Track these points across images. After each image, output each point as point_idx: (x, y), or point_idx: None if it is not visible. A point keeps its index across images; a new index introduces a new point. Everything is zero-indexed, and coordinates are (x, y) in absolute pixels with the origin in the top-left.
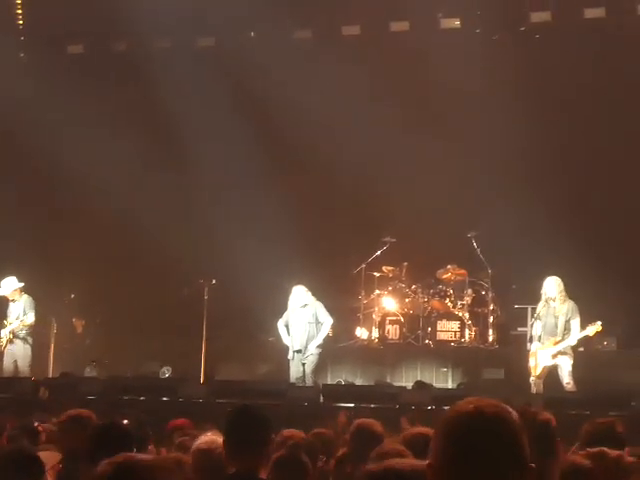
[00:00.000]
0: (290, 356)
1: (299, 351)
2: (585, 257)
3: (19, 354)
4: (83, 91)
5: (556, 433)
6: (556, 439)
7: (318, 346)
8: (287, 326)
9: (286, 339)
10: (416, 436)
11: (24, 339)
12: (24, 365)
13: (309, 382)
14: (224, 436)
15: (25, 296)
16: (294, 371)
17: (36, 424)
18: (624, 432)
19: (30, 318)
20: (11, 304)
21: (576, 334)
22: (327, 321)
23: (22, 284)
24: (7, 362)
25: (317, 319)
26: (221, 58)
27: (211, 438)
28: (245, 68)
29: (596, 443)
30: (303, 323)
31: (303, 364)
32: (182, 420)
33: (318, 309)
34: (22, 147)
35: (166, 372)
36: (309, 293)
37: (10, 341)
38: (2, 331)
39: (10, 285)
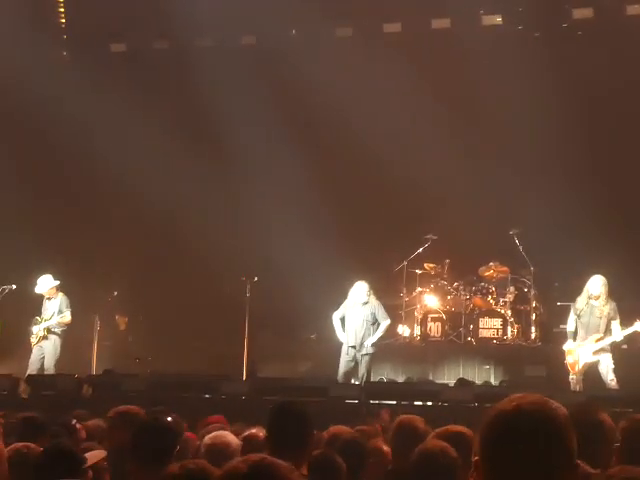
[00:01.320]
0: (345, 351)
1: (354, 347)
2: (628, 255)
3: (48, 350)
4: (125, 90)
5: (610, 433)
6: (610, 438)
7: (373, 344)
8: (342, 320)
9: (340, 334)
10: (454, 434)
11: (58, 336)
12: (50, 362)
13: (364, 380)
14: (266, 432)
15: (61, 294)
16: (344, 366)
17: (74, 421)
18: None
19: (68, 316)
20: (46, 302)
21: (619, 332)
22: (385, 321)
23: (58, 282)
24: (35, 357)
25: (375, 318)
26: (262, 56)
27: (217, 433)
28: (286, 66)
29: (634, 440)
30: (362, 320)
31: (359, 361)
32: (217, 417)
33: (377, 309)
34: (64, 146)
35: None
36: (371, 291)
37: (44, 337)
38: (35, 327)
39: (47, 283)
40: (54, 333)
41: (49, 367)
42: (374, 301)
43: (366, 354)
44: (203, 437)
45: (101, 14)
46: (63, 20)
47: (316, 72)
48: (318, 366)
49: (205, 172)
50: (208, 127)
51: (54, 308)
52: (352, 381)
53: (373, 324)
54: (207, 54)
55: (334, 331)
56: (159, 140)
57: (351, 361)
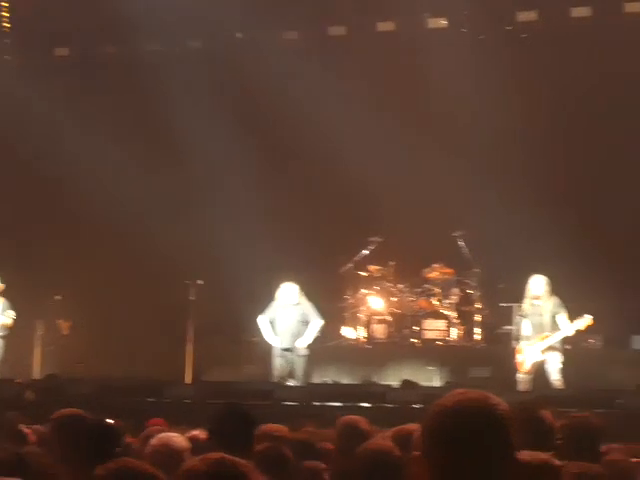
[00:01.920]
0: (276, 353)
1: (287, 349)
2: (571, 256)
3: None
4: (71, 93)
5: (552, 430)
6: (553, 435)
7: (307, 346)
8: (271, 323)
9: (270, 336)
10: (403, 432)
11: (1, 339)
12: None
13: (300, 382)
14: (210, 434)
15: (1, 297)
16: (278, 369)
17: (20, 426)
18: (601, 426)
19: (10, 319)
20: None
21: (566, 327)
22: (317, 322)
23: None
24: None
25: (306, 318)
26: (209, 59)
27: (164, 435)
28: (233, 69)
29: (572, 438)
30: (294, 322)
31: (292, 363)
32: (157, 420)
33: (309, 309)
34: (7, 147)
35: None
36: (300, 291)
37: None
38: None
39: None
40: None
41: None
42: (305, 302)
43: (302, 355)
44: (143, 440)
45: (46, 18)
46: (7, 25)
47: (262, 75)
48: (263, 369)
49: (150, 175)
50: (156, 130)
51: None
52: (289, 384)
53: (305, 325)
54: (154, 58)
55: (261, 334)
56: (105, 143)
57: (286, 364)
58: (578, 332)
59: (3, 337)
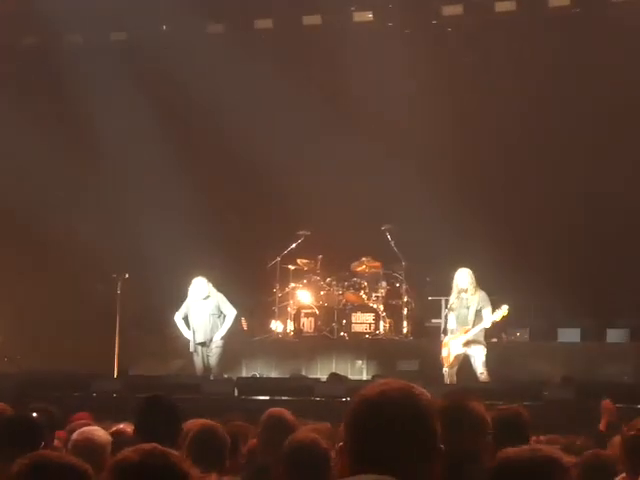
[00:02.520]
0: (192, 349)
1: (203, 344)
2: (497, 249)
3: None
4: None
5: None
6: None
7: (222, 338)
8: (186, 319)
9: (186, 332)
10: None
11: None
12: None
13: (215, 375)
14: (135, 426)
15: None
16: (198, 364)
17: None
18: (529, 419)
19: None
20: None
21: (488, 318)
22: (231, 312)
23: None
24: None
25: (220, 311)
26: (133, 52)
27: (86, 428)
28: (158, 62)
29: (501, 431)
30: (206, 315)
31: (208, 357)
32: (82, 414)
33: (221, 301)
34: None
35: (79, 368)
36: (210, 284)
37: None
38: None
39: None
40: None
41: None
42: (216, 294)
43: (216, 348)
44: (68, 434)
45: None
46: None
47: (188, 68)
48: (190, 363)
49: (75, 170)
50: (78, 123)
51: None
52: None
53: (219, 317)
54: (76, 50)
55: (179, 332)
56: (24, 137)
57: (202, 358)
58: (495, 324)
59: None
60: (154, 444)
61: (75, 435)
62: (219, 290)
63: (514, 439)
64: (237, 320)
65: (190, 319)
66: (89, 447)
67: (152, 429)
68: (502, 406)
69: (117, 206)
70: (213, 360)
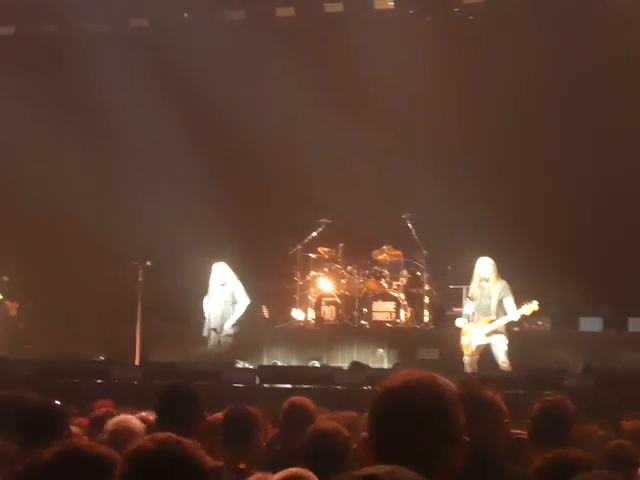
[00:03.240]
0: (205, 333)
1: (214, 329)
2: (518, 238)
3: None
4: (13, 74)
5: (499, 408)
6: (500, 413)
7: (233, 326)
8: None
9: (207, 317)
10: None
11: None
12: None
13: (227, 362)
14: (155, 414)
15: None
16: (211, 349)
17: None
18: (573, 409)
19: None
20: None
21: (512, 312)
22: (243, 301)
23: None
24: None
25: (234, 298)
26: (154, 39)
27: (121, 417)
28: (178, 49)
29: (546, 421)
30: (221, 302)
31: (220, 343)
32: (104, 401)
33: (236, 288)
34: None
35: (101, 355)
36: (230, 271)
37: None
38: None
39: None
40: None
41: None
42: (233, 281)
43: (226, 335)
44: (92, 421)
45: None
46: None
47: (208, 56)
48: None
49: (94, 157)
50: (96, 112)
51: None
52: (238, 365)
53: (233, 304)
54: (98, 38)
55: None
56: (46, 125)
57: (216, 344)
58: (523, 317)
59: None
60: (169, 433)
61: (111, 425)
62: (240, 277)
63: (558, 429)
64: (255, 309)
65: (209, 305)
66: (126, 436)
67: (172, 417)
68: (548, 397)
69: (138, 194)
70: (225, 348)
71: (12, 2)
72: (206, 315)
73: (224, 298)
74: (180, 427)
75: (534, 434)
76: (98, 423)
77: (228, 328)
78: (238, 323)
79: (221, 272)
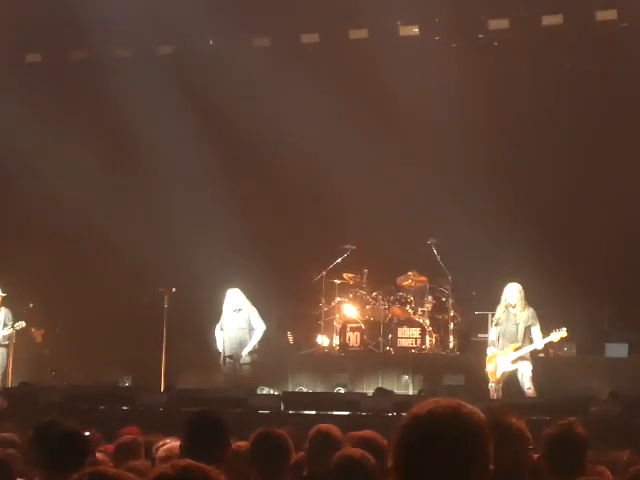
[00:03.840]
0: (221, 362)
1: (230, 357)
2: (544, 263)
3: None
4: (42, 101)
5: (524, 436)
6: (524, 441)
7: (250, 353)
8: (223, 331)
9: (220, 345)
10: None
11: (5, 348)
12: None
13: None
14: (182, 441)
15: (3, 308)
16: (226, 377)
17: None
18: (584, 433)
19: (18, 326)
20: None
21: (539, 340)
22: (260, 327)
23: (4, 294)
24: None
25: (250, 325)
26: (180, 66)
27: (171, 445)
28: (204, 76)
29: (557, 445)
30: (236, 328)
31: (238, 370)
32: (131, 428)
33: (252, 314)
34: None
35: (126, 381)
36: (244, 297)
37: None
38: None
39: None
40: (2, 346)
41: None
42: (248, 307)
43: (244, 364)
44: (118, 448)
45: (16, 24)
46: None
47: (234, 82)
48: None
49: (123, 184)
50: (125, 138)
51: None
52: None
53: (250, 331)
54: (125, 64)
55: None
56: (75, 151)
57: (230, 372)
58: (550, 344)
59: (5, 346)
60: (189, 460)
61: (161, 452)
62: (265, 303)
63: (568, 454)
64: (280, 335)
65: (223, 332)
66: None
67: (199, 444)
68: (559, 421)
69: (164, 220)
70: (242, 374)
71: (42, 30)
72: (219, 342)
73: (240, 324)
74: (206, 454)
75: (547, 460)
76: (124, 450)
77: (245, 355)
78: (255, 350)
79: (235, 298)
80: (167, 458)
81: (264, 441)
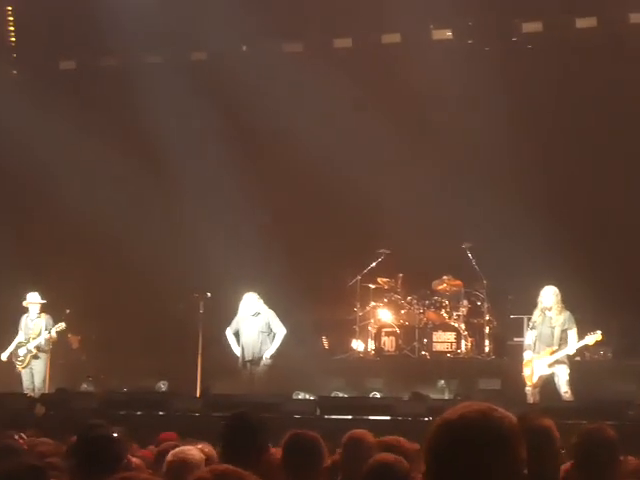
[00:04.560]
0: (240, 365)
1: (251, 361)
2: (580, 266)
3: (39, 369)
4: (75, 108)
5: (556, 440)
6: (556, 445)
7: (271, 356)
8: (236, 335)
9: (235, 348)
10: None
11: (46, 354)
12: (40, 381)
13: (260, 392)
14: (220, 444)
15: (43, 313)
16: (245, 381)
17: (17, 437)
18: (615, 436)
19: (60, 327)
20: (28, 321)
21: (574, 343)
22: (280, 331)
23: (44, 301)
24: (28, 379)
25: (270, 328)
26: (213, 72)
27: (180, 448)
28: (237, 81)
29: (588, 449)
30: (255, 332)
31: (255, 374)
32: (169, 433)
33: (271, 318)
34: (14, 162)
35: (162, 387)
36: (261, 301)
37: (34, 356)
38: (22, 350)
39: (37, 300)
40: (44, 351)
41: (40, 386)
42: (267, 311)
43: (264, 365)
44: (159, 453)
45: (50, 32)
46: (13, 39)
47: (267, 88)
48: (272, 381)
49: (155, 191)
50: (158, 144)
51: (40, 326)
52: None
53: (269, 334)
54: (156, 70)
55: (230, 347)
56: (109, 159)
57: (249, 376)
58: (586, 347)
59: (48, 352)
60: (227, 465)
61: (169, 456)
62: (300, 308)
63: (601, 459)
64: (315, 339)
65: (240, 336)
66: (184, 467)
67: (239, 446)
68: (588, 425)
69: (199, 227)
70: (261, 378)
71: (75, 37)
72: (233, 346)
73: (260, 328)
74: (244, 457)
75: (578, 466)
76: (163, 456)
77: (266, 359)
78: (277, 354)
79: (252, 302)
80: (173, 463)
81: (296, 443)
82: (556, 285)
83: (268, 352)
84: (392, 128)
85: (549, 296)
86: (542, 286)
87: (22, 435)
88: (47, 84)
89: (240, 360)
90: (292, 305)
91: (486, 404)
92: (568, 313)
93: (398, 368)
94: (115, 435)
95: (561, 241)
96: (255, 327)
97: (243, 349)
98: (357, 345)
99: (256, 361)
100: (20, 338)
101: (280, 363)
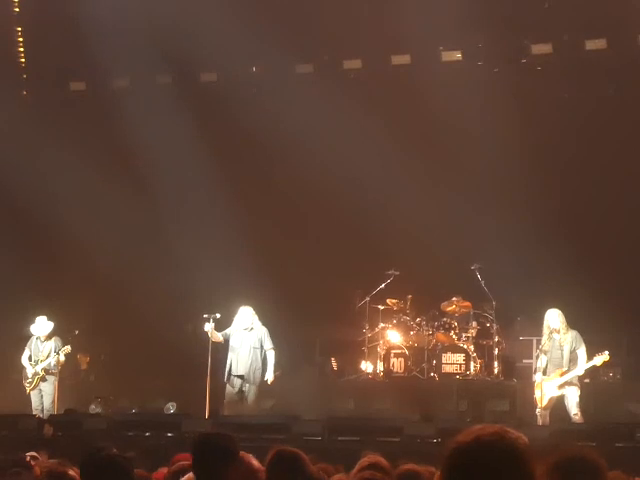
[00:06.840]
0: (226, 379)
1: (242, 377)
2: (588, 288)
3: (48, 391)
4: (85, 127)
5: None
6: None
7: (274, 377)
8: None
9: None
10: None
11: (55, 376)
12: (49, 402)
13: (250, 410)
14: (192, 465)
15: (54, 337)
16: (228, 397)
17: (28, 459)
18: (599, 461)
19: (65, 350)
20: (38, 343)
21: (583, 364)
22: (271, 353)
23: (53, 324)
24: (37, 400)
25: (261, 345)
26: (223, 92)
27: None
28: (247, 102)
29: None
30: (247, 347)
31: (245, 391)
32: (185, 454)
33: (264, 335)
34: (21, 183)
35: (171, 408)
36: (256, 317)
37: (42, 379)
38: (30, 370)
39: (46, 325)
40: (52, 373)
41: (49, 407)
42: (260, 327)
43: (254, 385)
44: (172, 475)
45: (61, 52)
46: (23, 59)
47: (277, 108)
48: (281, 402)
49: (161, 212)
50: (160, 169)
51: (49, 348)
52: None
53: (260, 351)
54: (167, 91)
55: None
56: (114, 180)
57: (237, 392)
58: (594, 367)
59: (56, 375)
60: None
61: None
62: (309, 329)
63: None
64: (324, 361)
65: (230, 348)
66: None
67: (204, 466)
68: (564, 447)
69: (205, 249)
70: (250, 397)
71: (86, 58)
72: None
73: (252, 344)
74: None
75: None
76: (177, 476)
77: (269, 378)
78: (275, 372)
79: (247, 316)
80: None
81: (278, 460)
82: (564, 306)
83: (268, 374)
84: (402, 149)
85: (554, 318)
86: (548, 308)
87: (35, 455)
88: (57, 105)
89: (226, 373)
90: (300, 326)
91: (499, 426)
92: (575, 332)
93: (407, 390)
94: (121, 456)
95: (570, 263)
96: (247, 342)
97: (231, 363)
98: (366, 366)
99: (247, 377)
100: (26, 356)
101: (288, 384)
